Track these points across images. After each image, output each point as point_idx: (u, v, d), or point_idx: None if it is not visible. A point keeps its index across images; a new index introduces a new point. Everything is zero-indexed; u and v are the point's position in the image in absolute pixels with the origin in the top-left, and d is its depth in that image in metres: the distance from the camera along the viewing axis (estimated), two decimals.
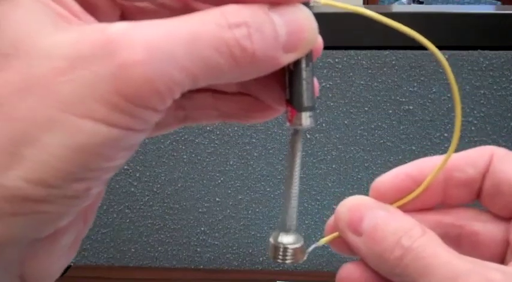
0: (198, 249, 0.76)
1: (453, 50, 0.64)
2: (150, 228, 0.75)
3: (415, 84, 0.66)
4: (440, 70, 0.65)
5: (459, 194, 0.25)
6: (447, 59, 0.70)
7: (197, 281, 0.75)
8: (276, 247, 0.25)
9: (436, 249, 0.21)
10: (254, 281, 0.74)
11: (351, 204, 0.25)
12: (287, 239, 0.25)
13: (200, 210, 0.74)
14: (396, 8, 1.19)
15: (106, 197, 0.74)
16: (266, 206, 0.73)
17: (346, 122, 0.69)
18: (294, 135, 0.24)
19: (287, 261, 0.25)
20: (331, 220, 0.26)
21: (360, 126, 0.69)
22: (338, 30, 0.65)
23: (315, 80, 0.23)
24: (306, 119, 0.22)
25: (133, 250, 0.77)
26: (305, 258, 0.26)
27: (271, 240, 0.25)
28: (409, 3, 1.84)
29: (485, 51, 0.64)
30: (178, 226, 0.75)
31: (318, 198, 0.72)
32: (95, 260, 0.78)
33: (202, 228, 0.75)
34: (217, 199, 0.73)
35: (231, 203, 0.73)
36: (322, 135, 0.69)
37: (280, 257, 0.25)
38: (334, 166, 0.70)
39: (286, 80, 0.22)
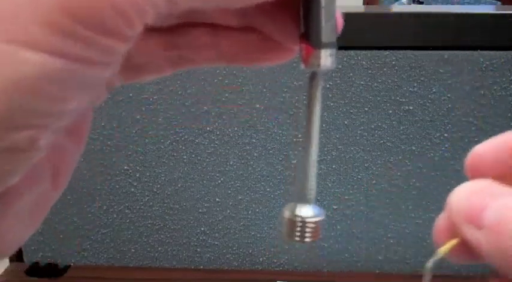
0: (198, 250, 0.76)
1: (453, 50, 0.64)
2: (150, 229, 0.75)
3: (415, 85, 0.66)
4: (441, 70, 0.65)
5: None
6: (447, 59, 0.70)
7: (197, 281, 0.75)
8: (293, 222, 0.20)
9: None
10: (254, 281, 0.74)
11: (468, 189, 0.19)
12: (306, 212, 0.20)
13: (200, 210, 0.74)
14: (396, 8, 1.19)
15: (106, 197, 0.74)
16: (266, 206, 0.73)
17: (346, 122, 0.68)
18: (311, 81, 0.19)
19: (306, 239, 0.20)
20: (441, 218, 0.20)
21: (360, 127, 0.69)
22: None
23: (338, 12, 0.18)
24: (325, 58, 0.18)
25: (133, 250, 0.77)
26: (430, 274, 0.21)
27: (286, 213, 0.20)
28: (409, 3, 1.84)
29: (485, 51, 0.64)
30: (178, 226, 0.75)
31: (318, 198, 0.72)
32: (95, 260, 0.77)
33: (202, 229, 0.75)
34: (217, 199, 0.73)
35: (231, 203, 0.73)
36: (322, 135, 0.69)
37: (297, 234, 0.20)
38: (334, 166, 0.70)
39: (300, 10, 0.18)
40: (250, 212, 0.73)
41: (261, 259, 0.76)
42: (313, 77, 0.19)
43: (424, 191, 0.70)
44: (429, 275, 0.20)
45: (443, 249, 0.20)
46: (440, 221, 0.20)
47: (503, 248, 0.17)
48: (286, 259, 0.76)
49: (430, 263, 0.20)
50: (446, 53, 0.64)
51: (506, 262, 0.17)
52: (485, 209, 0.18)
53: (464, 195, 0.19)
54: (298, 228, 0.20)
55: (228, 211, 0.74)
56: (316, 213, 0.20)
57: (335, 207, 0.72)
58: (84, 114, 0.20)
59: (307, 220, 0.20)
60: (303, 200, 0.20)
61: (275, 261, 0.76)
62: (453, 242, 0.20)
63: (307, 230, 0.20)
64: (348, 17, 0.65)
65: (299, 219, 0.20)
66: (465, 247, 0.19)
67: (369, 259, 0.74)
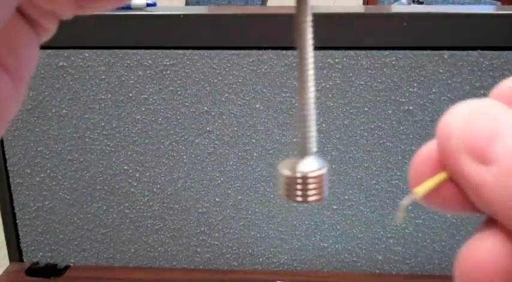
0: (198, 250, 0.76)
1: (453, 50, 0.64)
2: (150, 228, 0.75)
3: (415, 85, 0.66)
4: (441, 70, 0.65)
5: None
6: (447, 59, 0.70)
7: (197, 281, 0.75)
8: (292, 178, 0.17)
9: None
10: (254, 281, 0.74)
11: (472, 111, 0.14)
12: (307, 166, 0.17)
13: (200, 210, 0.74)
14: (396, 8, 1.19)
15: (106, 197, 0.74)
16: (266, 206, 0.73)
17: (346, 122, 0.68)
18: (298, 6, 0.16)
19: (310, 198, 0.17)
20: (425, 150, 0.15)
21: (360, 127, 0.69)
22: (338, 30, 0.65)
23: None
24: None
25: (133, 250, 0.77)
26: (402, 218, 0.16)
27: (284, 170, 0.17)
28: (409, 3, 1.84)
29: (485, 52, 0.64)
30: (178, 226, 0.75)
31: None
32: (95, 260, 0.77)
33: (202, 229, 0.75)
34: (217, 199, 0.73)
35: (231, 203, 0.73)
36: (322, 135, 0.69)
37: (298, 192, 0.17)
38: (334, 166, 0.70)
39: None
40: (250, 212, 0.73)
41: (261, 259, 0.76)
42: (299, 2, 0.16)
43: None
44: (402, 215, 0.17)
45: (422, 188, 0.15)
46: (425, 152, 0.15)
47: None
48: (286, 259, 0.76)
49: (404, 203, 0.15)
50: (446, 53, 0.64)
51: None
52: (497, 138, 0.14)
53: (468, 119, 0.14)
54: (299, 186, 0.17)
55: (228, 211, 0.74)
56: (319, 166, 0.17)
57: (335, 207, 0.72)
58: (27, 48, 0.18)
59: (310, 174, 0.16)
60: (303, 152, 0.17)
61: (275, 261, 0.76)
62: (437, 179, 0.15)
63: (310, 185, 0.17)
64: (348, 17, 0.65)
65: (299, 174, 0.17)
66: (453, 188, 0.15)
67: (369, 259, 0.74)
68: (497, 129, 0.14)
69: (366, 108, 0.68)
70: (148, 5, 0.69)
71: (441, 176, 0.15)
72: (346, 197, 0.72)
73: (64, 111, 0.70)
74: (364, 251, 0.74)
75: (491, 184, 0.13)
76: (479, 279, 0.13)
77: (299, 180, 0.17)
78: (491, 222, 0.14)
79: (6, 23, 0.16)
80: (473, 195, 0.14)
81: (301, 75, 0.17)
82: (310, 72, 0.17)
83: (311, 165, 0.17)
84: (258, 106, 0.69)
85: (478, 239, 0.14)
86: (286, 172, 0.17)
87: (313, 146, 0.17)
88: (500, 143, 0.13)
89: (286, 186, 0.17)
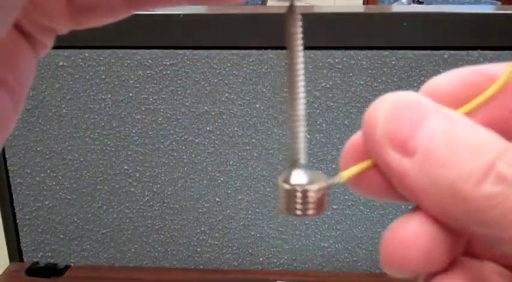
0: (198, 249, 0.76)
1: (453, 50, 0.64)
2: (150, 228, 0.75)
3: (415, 84, 0.66)
4: (441, 70, 0.65)
5: None
6: (447, 59, 0.70)
7: (197, 281, 0.75)
8: (292, 191, 0.16)
9: None
10: (254, 281, 0.74)
11: (395, 103, 0.15)
12: (304, 178, 0.17)
13: (200, 210, 0.74)
14: (396, 8, 1.19)
15: (106, 197, 0.74)
16: (266, 206, 0.73)
17: (346, 122, 0.68)
18: (289, 16, 0.16)
19: (309, 212, 0.16)
20: (354, 139, 0.17)
21: (360, 127, 0.68)
22: (338, 30, 0.65)
23: None
24: None
25: (133, 250, 0.77)
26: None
27: (284, 184, 0.16)
28: (409, 3, 1.84)
29: (485, 51, 0.64)
30: (178, 226, 0.75)
31: None
32: (95, 260, 0.77)
33: (202, 228, 0.75)
34: (217, 199, 0.73)
35: (231, 203, 0.73)
36: (322, 135, 0.69)
37: (299, 206, 0.16)
38: (334, 166, 0.70)
39: None
40: (250, 212, 0.74)
41: (261, 259, 0.76)
42: (290, 11, 0.16)
43: None
44: (326, 203, 0.17)
45: (347, 173, 0.16)
46: (353, 142, 0.16)
47: (443, 181, 0.14)
48: (286, 259, 0.76)
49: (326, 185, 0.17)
50: (446, 53, 0.64)
51: (448, 200, 0.14)
52: (418, 130, 0.14)
53: (392, 110, 0.15)
54: (299, 200, 0.16)
55: (228, 211, 0.74)
56: (316, 178, 0.17)
57: (335, 207, 0.72)
58: (24, 64, 0.18)
59: (310, 188, 0.16)
60: (296, 163, 0.17)
61: (275, 261, 0.76)
62: (361, 165, 0.16)
63: (310, 199, 0.16)
64: (348, 17, 0.65)
65: (299, 188, 0.16)
66: (378, 175, 0.15)
67: (369, 259, 0.74)
68: (418, 121, 0.14)
69: (366, 108, 0.68)
70: None
71: (366, 163, 0.15)
72: (346, 197, 0.72)
73: (64, 111, 0.70)
74: (364, 251, 0.74)
75: (413, 174, 0.14)
76: (401, 256, 0.14)
77: (299, 194, 0.16)
78: (417, 207, 0.15)
79: (4, 39, 0.16)
80: (396, 183, 0.15)
81: (291, 87, 0.17)
82: (301, 83, 0.17)
83: (309, 178, 0.17)
84: (258, 106, 0.69)
85: (401, 220, 0.15)
86: (286, 186, 0.16)
87: (305, 155, 0.17)
88: (420, 135, 0.14)
89: (285, 199, 0.16)
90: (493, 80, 0.16)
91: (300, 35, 0.16)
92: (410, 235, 0.14)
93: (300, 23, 0.16)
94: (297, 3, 0.16)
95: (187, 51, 0.67)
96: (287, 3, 0.16)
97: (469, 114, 0.16)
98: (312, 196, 0.16)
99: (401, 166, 0.14)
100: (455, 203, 0.13)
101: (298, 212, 0.16)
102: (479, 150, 0.13)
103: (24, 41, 0.17)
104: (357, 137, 0.16)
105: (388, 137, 0.15)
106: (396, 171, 0.14)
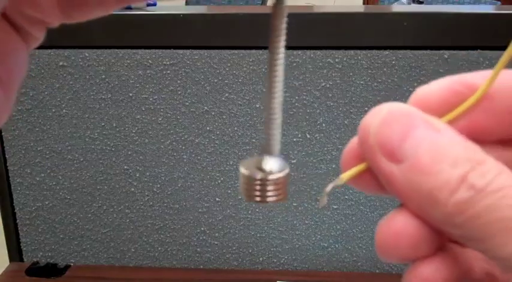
0: (198, 249, 0.76)
1: (453, 50, 0.64)
2: (150, 228, 0.75)
3: (415, 84, 0.66)
4: (441, 70, 0.65)
5: None
6: (447, 59, 0.70)
7: (197, 281, 0.75)
8: (251, 178, 0.17)
9: None
10: (254, 281, 0.74)
11: (387, 114, 0.17)
12: (268, 166, 0.17)
13: (200, 210, 0.74)
14: (396, 8, 1.19)
15: (106, 197, 0.74)
16: (266, 206, 0.73)
17: (346, 122, 0.69)
18: (275, 7, 0.16)
19: (268, 199, 0.17)
20: (353, 142, 0.18)
21: None
22: (338, 30, 0.65)
23: None
24: None
25: (133, 250, 0.77)
26: (325, 202, 0.18)
27: (243, 169, 0.17)
28: (409, 3, 1.84)
29: (485, 51, 0.64)
30: (178, 226, 0.75)
31: (318, 198, 0.72)
32: (95, 260, 0.77)
33: (202, 228, 0.75)
34: (217, 199, 0.73)
35: (231, 203, 0.73)
36: (322, 135, 0.69)
37: (258, 193, 0.17)
38: (334, 166, 0.70)
39: None
40: (250, 212, 0.74)
41: (261, 259, 0.76)
42: (278, 2, 0.16)
43: None
44: (325, 200, 0.18)
45: (346, 175, 0.18)
46: (351, 145, 0.18)
47: (424, 186, 0.16)
48: (286, 259, 0.76)
49: (328, 188, 0.18)
50: (446, 53, 0.64)
51: (427, 204, 0.16)
52: (406, 139, 0.16)
53: (382, 122, 0.17)
54: (258, 187, 0.17)
55: (228, 211, 0.74)
56: (280, 167, 0.17)
57: (335, 207, 0.72)
58: (15, 56, 0.18)
59: (269, 177, 0.17)
60: (267, 151, 0.17)
61: (275, 261, 0.76)
62: (358, 168, 0.17)
63: (269, 188, 0.17)
64: (348, 17, 0.65)
65: (258, 175, 0.17)
66: (372, 176, 0.17)
67: (369, 259, 0.74)
68: (406, 132, 0.16)
69: (366, 108, 0.68)
70: (148, 4, 0.69)
71: (362, 166, 0.17)
72: (346, 197, 0.72)
73: (64, 111, 0.70)
74: (364, 251, 0.74)
75: (399, 179, 0.16)
76: (392, 244, 0.17)
77: (257, 181, 0.17)
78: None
79: None
80: (386, 185, 0.17)
81: (270, 76, 0.17)
82: (279, 77, 0.17)
83: (272, 166, 0.17)
84: (258, 106, 0.69)
85: (393, 214, 0.17)
86: (246, 172, 0.17)
87: (277, 146, 0.18)
88: (407, 145, 0.16)
89: (245, 186, 0.17)
90: (473, 89, 0.17)
91: (283, 28, 0.17)
92: (400, 227, 0.17)
93: (285, 16, 0.17)
94: None
95: (187, 51, 0.67)
96: None
97: (453, 121, 0.17)
98: (271, 183, 0.17)
99: (390, 171, 0.16)
100: (433, 207, 0.16)
101: (258, 199, 0.17)
102: (457, 162, 0.15)
103: (14, 33, 0.17)
104: (353, 143, 0.18)
105: (379, 145, 0.16)
106: (385, 175, 0.17)
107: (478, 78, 0.18)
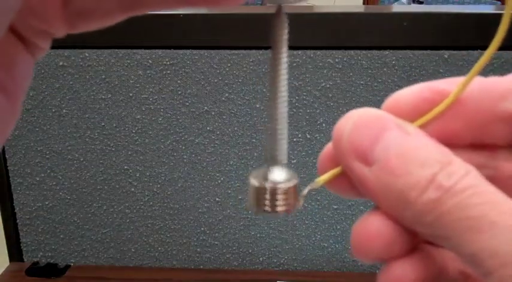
0: (198, 249, 0.76)
1: (453, 50, 0.64)
2: (150, 228, 0.75)
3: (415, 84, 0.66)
4: (441, 70, 0.65)
5: (501, 131, 0.18)
6: (447, 59, 0.70)
7: (197, 281, 0.75)
8: (261, 189, 0.17)
9: (492, 195, 0.15)
10: (254, 281, 0.74)
11: (359, 119, 0.18)
12: (276, 176, 0.17)
13: (200, 210, 0.74)
14: (396, 8, 1.19)
15: (106, 197, 0.74)
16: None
17: None
18: (276, 18, 0.16)
19: (278, 209, 0.17)
20: (328, 147, 0.19)
21: None
22: (338, 30, 0.65)
23: None
24: None
25: (133, 250, 0.77)
26: (301, 204, 0.18)
27: (253, 180, 0.17)
28: (409, 3, 1.84)
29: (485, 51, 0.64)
30: (178, 226, 0.75)
31: (318, 198, 0.72)
32: (95, 260, 0.77)
33: (202, 228, 0.75)
34: (217, 199, 0.73)
35: (231, 203, 0.73)
36: (322, 135, 0.69)
37: (267, 203, 0.17)
38: None
39: None
40: (250, 212, 0.74)
41: (261, 259, 0.76)
42: (278, 12, 0.16)
43: None
44: (302, 203, 0.18)
45: (322, 179, 0.18)
46: (327, 150, 0.19)
47: (394, 187, 0.16)
48: (286, 259, 0.76)
49: (305, 191, 0.18)
50: (446, 53, 0.64)
51: (398, 204, 0.16)
52: (377, 142, 0.17)
53: (354, 126, 0.17)
54: (268, 197, 0.17)
55: (228, 211, 0.74)
56: (288, 177, 0.17)
57: (335, 207, 0.72)
58: (21, 67, 0.18)
59: (278, 186, 0.17)
60: (273, 162, 0.17)
61: (275, 261, 0.76)
62: (333, 172, 0.18)
63: (278, 197, 0.17)
64: (348, 17, 0.65)
65: (268, 185, 0.17)
66: (347, 179, 0.18)
67: None
68: (378, 134, 0.17)
69: None
70: None
71: (338, 169, 0.18)
72: (346, 197, 0.72)
73: (64, 111, 0.70)
74: None
75: (371, 181, 0.17)
76: (366, 244, 0.17)
77: (267, 191, 0.17)
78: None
79: (0, 43, 0.16)
80: (359, 187, 0.17)
81: (273, 85, 0.17)
82: (283, 84, 0.17)
83: (281, 176, 0.17)
84: (258, 106, 0.69)
85: (367, 215, 0.18)
86: (255, 182, 0.17)
87: (284, 155, 0.18)
88: (378, 148, 0.17)
89: (254, 196, 0.17)
90: (444, 95, 0.18)
91: (285, 37, 0.17)
92: (373, 228, 0.17)
93: (286, 25, 0.17)
94: (286, 5, 0.17)
95: (187, 51, 0.67)
96: (275, 5, 0.16)
97: (424, 125, 0.18)
98: (281, 193, 0.17)
99: (363, 174, 0.17)
100: (404, 207, 0.16)
101: (267, 209, 0.17)
102: (426, 164, 0.16)
103: (20, 44, 0.18)
104: (329, 148, 0.19)
105: (352, 148, 0.17)
106: (358, 178, 0.17)
107: (450, 84, 0.18)
